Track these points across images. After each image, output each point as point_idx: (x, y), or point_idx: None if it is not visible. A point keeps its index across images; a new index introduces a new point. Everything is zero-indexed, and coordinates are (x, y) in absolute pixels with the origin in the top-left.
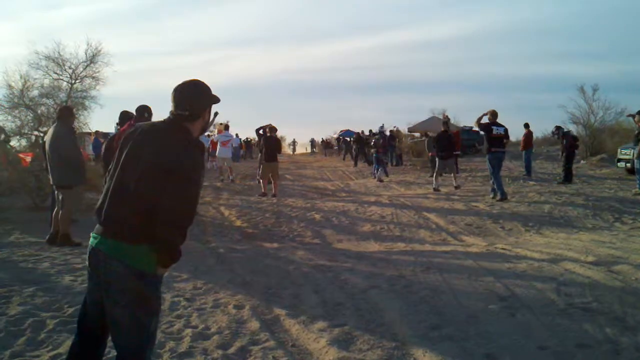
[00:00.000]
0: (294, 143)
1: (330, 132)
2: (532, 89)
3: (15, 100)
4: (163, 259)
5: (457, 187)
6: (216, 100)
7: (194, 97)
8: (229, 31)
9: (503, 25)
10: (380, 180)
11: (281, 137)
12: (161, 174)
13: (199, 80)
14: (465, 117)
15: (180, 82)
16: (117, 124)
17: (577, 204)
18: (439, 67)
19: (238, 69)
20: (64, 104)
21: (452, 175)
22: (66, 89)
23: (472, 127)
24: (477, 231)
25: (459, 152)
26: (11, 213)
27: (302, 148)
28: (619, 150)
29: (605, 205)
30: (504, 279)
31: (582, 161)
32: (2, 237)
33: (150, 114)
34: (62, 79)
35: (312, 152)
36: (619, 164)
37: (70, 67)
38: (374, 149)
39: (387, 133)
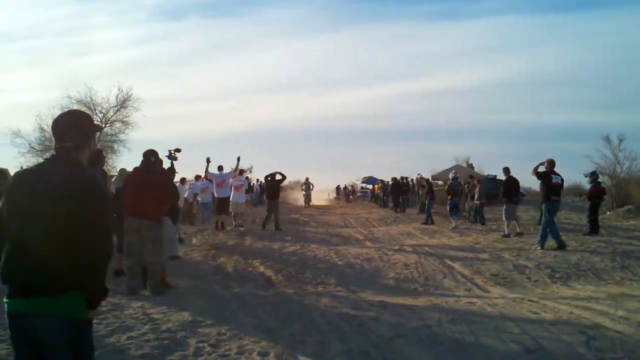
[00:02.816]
0: (307, 185)
1: (352, 178)
2: (554, 138)
3: (47, 143)
4: (91, 301)
5: (520, 234)
6: (98, 128)
7: (74, 127)
8: (251, 79)
9: (525, 76)
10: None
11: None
12: (63, 215)
13: (76, 110)
14: (488, 165)
15: (60, 113)
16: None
17: (604, 256)
18: (460, 116)
19: (260, 116)
20: (98, 145)
21: (507, 221)
22: (97, 133)
23: (495, 176)
24: (502, 282)
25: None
26: None
27: (322, 195)
28: None
29: (634, 257)
30: (532, 331)
31: (608, 212)
32: None
33: (157, 158)
34: None
35: (337, 199)
36: None
37: (101, 112)
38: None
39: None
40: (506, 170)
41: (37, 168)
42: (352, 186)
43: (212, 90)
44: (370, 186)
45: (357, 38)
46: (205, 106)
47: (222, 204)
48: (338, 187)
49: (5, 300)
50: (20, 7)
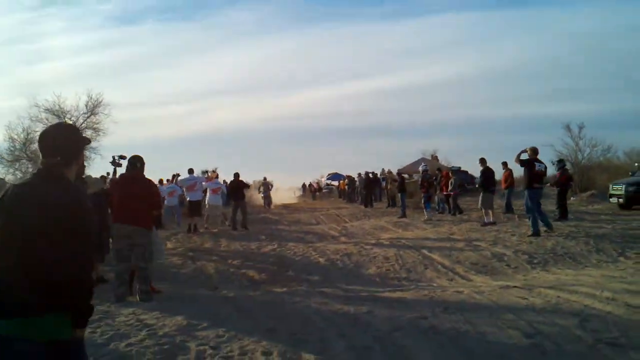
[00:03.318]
0: (265, 185)
1: (316, 176)
2: (517, 130)
3: (17, 153)
4: (77, 320)
5: (494, 223)
6: (86, 141)
7: (63, 142)
8: (213, 82)
9: (485, 70)
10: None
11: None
12: (49, 231)
13: (64, 123)
14: (455, 159)
15: (46, 127)
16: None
17: (578, 240)
18: (423, 112)
19: (223, 118)
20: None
21: (485, 210)
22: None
23: (459, 168)
24: (483, 270)
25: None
26: None
27: (289, 193)
28: (610, 186)
29: (607, 240)
30: (525, 317)
31: (572, 198)
32: None
33: (142, 163)
34: None
35: (303, 196)
36: (611, 199)
37: (70, 119)
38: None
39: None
40: (482, 161)
41: (21, 184)
42: (317, 183)
43: (174, 94)
44: (335, 182)
45: (315, 38)
46: (167, 110)
47: (193, 207)
48: (304, 185)
49: None
50: None
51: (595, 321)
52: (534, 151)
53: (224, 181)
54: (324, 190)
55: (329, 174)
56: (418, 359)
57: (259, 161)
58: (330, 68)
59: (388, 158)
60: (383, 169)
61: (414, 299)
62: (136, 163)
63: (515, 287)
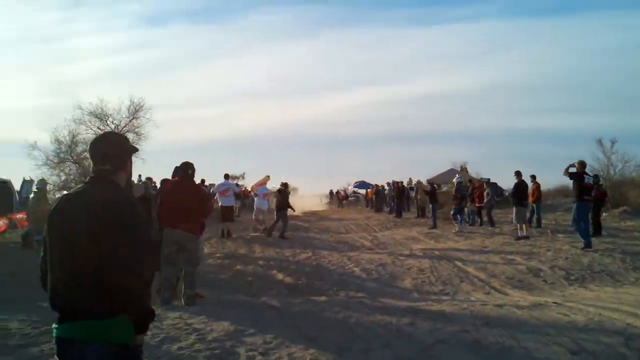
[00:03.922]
0: (284, 190)
1: (342, 183)
2: (547, 142)
3: (62, 155)
4: (139, 324)
5: (527, 237)
6: (134, 149)
7: (113, 150)
8: (236, 86)
9: (521, 79)
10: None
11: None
12: (104, 240)
13: (113, 132)
14: (483, 169)
15: (96, 136)
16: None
17: (614, 257)
18: (450, 121)
19: (246, 122)
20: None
21: (519, 224)
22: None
23: (489, 179)
24: (519, 285)
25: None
26: None
27: (315, 200)
28: None
29: None
30: (568, 333)
31: (604, 213)
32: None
33: (193, 170)
34: None
35: (330, 204)
36: None
37: (113, 122)
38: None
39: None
40: (518, 174)
41: (75, 193)
42: (344, 191)
43: (197, 97)
44: (362, 191)
45: (342, 42)
46: (190, 112)
47: (226, 212)
48: (331, 192)
49: (54, 326)
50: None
51: (639, 340)
52: (582, 165)
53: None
54: (350, 199)
55: (355, 182)
56: None
57: (283, 167)
58: (356, 73)
59: (415, 167)
60: (410, 179)
61: (454, 312)
62: (187, 169)
63: (554, 303)
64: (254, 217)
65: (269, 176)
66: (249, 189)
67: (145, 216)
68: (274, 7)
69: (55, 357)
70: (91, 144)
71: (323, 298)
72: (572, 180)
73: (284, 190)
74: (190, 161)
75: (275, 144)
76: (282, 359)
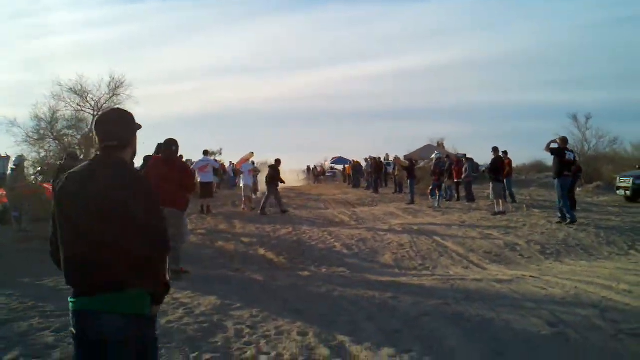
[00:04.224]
0: (275, 165)
1: (320, 159)
2: (521, 117)
3: (42, 132)
4: (156, 295)
5: (504, 213)
6: (139, 126)
7: (120, 127)
8: (214, 61)
9: (489, 55)
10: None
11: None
12: (119, 213)
13: (120, 109)
14: (459, 145)
15: (102, 112)
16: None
17: (589, 232)
18: (426, 97)
19: (225, 97)
20: (90, 134)
21: (496, 199)
22: (89, 120)
23: (465, 155)
24: (497, 259)
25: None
26: (37, 243)
27: (292, 175)
28: (617, 178)
29: (616, 232)
30: (546, 306)
31: (577, 189)
32: (35, 267)
33: (177, 146)
34: (84, 111)
35: (308, 180)
36: (618, 191)
37: (92, 99)
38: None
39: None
40: (495, 150)
41: (82, 169)
42: (321, 167)
43: (175, 72)
44: (339, 167)
45: (323, 18)
46: (169, 88)
47: (205, 189)
48: (308, 168)
49: (70, 299)
50: None
51: (614, 312)
52: (564, 141)
53: (230, 162)
54: (327, 174)
55: (332, 158)
56: (448, 343)
57: (261, 142)
58: (337, 49)
59: (392, 143)
60: (387, 154)
61: (435, 286)
62: (172, 146)
63: (532, 276)
64: (242, 194)
65: (252, 152)
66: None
67: None
68: None
69: (71, 329)
70: (97, 120)
71: (306, 273)
72: (553, 156)
73: (274, 165)
74: (174, 137)
75: (252, 119)
76: (270, 332)
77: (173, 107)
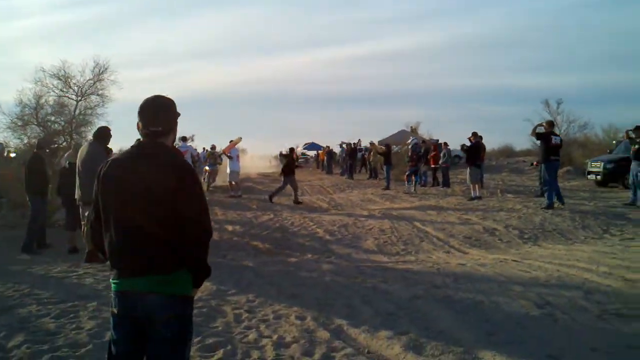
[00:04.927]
0: (212, 156)
1: (292, 144)
2: (492, 102)
3: (26, 118)
4: (198, 279)
5: (480, 198)
6: (179, 114)
7: (165, 113)
8: (188, 44)
9: (463, 39)
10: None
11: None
12: (167, 197)
13: (163, 96)
14: (435, 130)
15: (146, 98)
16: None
17: (564, 217)
18: (403, 80)
19: (198, 81)
20: (74, 120)
21: (473, 184)
22: (72, 106)
23: (437, 140)
24: (477, 244)
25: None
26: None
27: (264, 162)
28: (588, 162)
29: (591, 217)
30: (533, 288)
31: None
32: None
33: None
34: (67, 96)
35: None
36: (589, 176)
37: (76, 85)
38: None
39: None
40: (474, 135)
41: (128, 154)
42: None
43: (148, 56)
44: (311, 153)
45: (296, 2)
46: (142, 72)
47: None
48: (281, 153)
49: (113, 281)
50: None
51: (598, 294)
52: (550, 124)
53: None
54: (300, 160)
55: (305, 144)
56: (442, 324)
57: (233, 127)
58: (312, 33)
59: (366, 128)
60: (360, 140)
61: (421, 270)
62: None
63: (514, 260)
64: (228, 180)
65: (241, 137)
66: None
67: None
68: None
69: (114, 309)
70: (142, 105)
71: (293, 259)
72: (539, 141)
73: (289, 154)
74: None
75: (223, 103)
76: (268, 316)
77: (144, 91)
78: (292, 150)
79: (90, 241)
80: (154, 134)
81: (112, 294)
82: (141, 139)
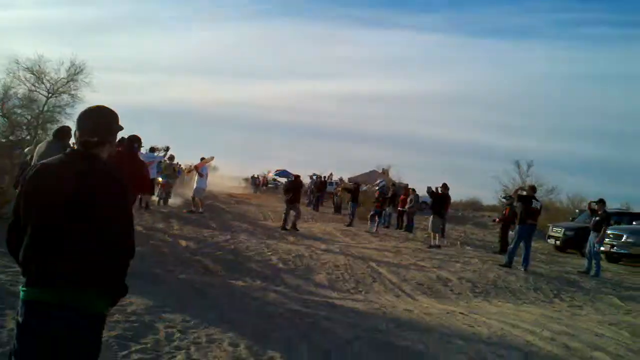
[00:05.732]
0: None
1: (263, 169)
2: (464, 155)
3: None
4: (115, 296)
5: (439, 247)
6: (121, 127)
7: (106, 124)
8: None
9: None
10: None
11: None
12: (90, 208)
13: (106, 107)
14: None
15: (89, 107)
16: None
17: (518, 276)
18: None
19: (175, 95)
20: (42, 116)
21: (433, 233)
22: (42, 102)
23: (407, 185)
24: (428, 292)
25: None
26: None
27: (233, 182)
28: (550, 227)
29: (544, 280)
30: (473, 344)
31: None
32: None
33: (140, 145)
34: (39, 92)
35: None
36: (549, 240)
37: (49, 81)
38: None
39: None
40: (444, 186)
41: (56, 161)
42: (264, 177)
43: (129, 63)
44: (282, 179)
45: (286, 31)
46: (123, 78)
47: None
48: (253, 177)
49: (22, 288)
50: None
51: (537, 358)
52: (532, 189)
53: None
54: (269, 185)
55: (276, 170)
56: None
57: (207, 144)
58: (295, 64)
59: (338, 163)
60: (331, 173)
61: (368, 311)
62: (133, 144)
63: (461, 313)
64: (192, 195)
65: (213, 157)
66: (191, 167)
67: None
68: None
69: (18, 318)
70: (82, 113)
71: (241, 283)
72: (519, 203)
73: (295, 181)
74: (138, 135)
75: (198, 120)
76: (201, 339)
77: (120, 98)
78: (297, 177)
79: (6, 245)
80: (89, 144)
81: (19, 302)
82: (75, 147)
